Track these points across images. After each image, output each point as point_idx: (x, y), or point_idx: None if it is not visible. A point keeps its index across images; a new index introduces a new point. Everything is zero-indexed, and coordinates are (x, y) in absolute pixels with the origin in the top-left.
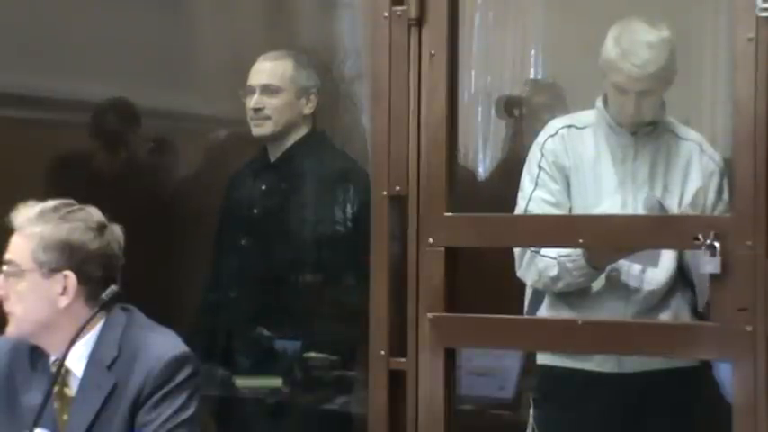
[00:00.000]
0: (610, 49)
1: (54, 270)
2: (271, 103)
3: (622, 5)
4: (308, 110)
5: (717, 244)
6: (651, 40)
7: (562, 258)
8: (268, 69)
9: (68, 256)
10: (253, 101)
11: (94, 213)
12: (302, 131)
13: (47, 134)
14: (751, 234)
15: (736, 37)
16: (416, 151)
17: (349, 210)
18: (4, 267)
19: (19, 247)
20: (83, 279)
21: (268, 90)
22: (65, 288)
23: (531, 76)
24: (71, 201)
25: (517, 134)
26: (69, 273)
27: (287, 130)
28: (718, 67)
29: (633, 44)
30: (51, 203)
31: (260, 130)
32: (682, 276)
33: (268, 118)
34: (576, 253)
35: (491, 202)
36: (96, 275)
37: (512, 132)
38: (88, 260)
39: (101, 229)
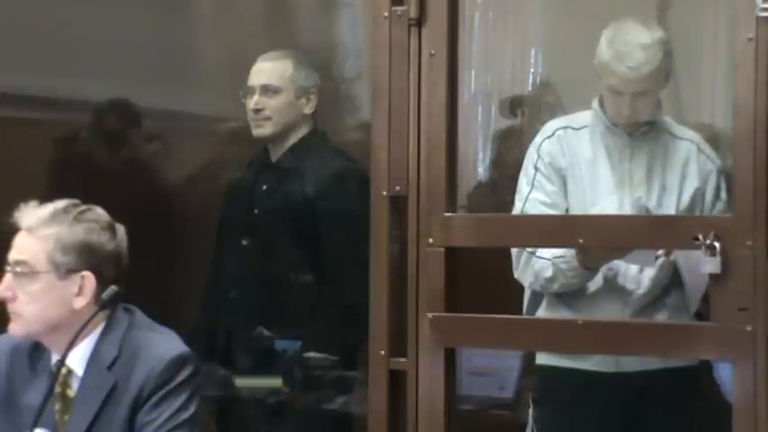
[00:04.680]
0: (603, 51)
1: (71, 271)
2: (271, 103)
3: (622, 5)
4: (308, 110)
5: (717, 244)
6: (644, 42)
7: (556, 260)
8: (267, 69)
9: (87, 257)
10: (253, 101)
11: (102, 213)
12: (303, 131)
13: (47, 134)
14: (751, 234)
15: (736, 37)
16: (416, 151)
17: (349, 210)
18: (16, 269)
19: (32, 249)
20: (99, 279)
21: (268, 90)
22: (80, 288)
23: (531, 76)
24: (77, 201)
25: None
26: (88, 273)
27: (287, 130)
28: (718, 67)
29: (626, 46)
30: (61, 204)
31: (260, 130)
32: (678, 275)
33: (268, 118)
34: (569, 254)
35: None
36: (110, 276)
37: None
38: (105, 261)
39: (112, 228)
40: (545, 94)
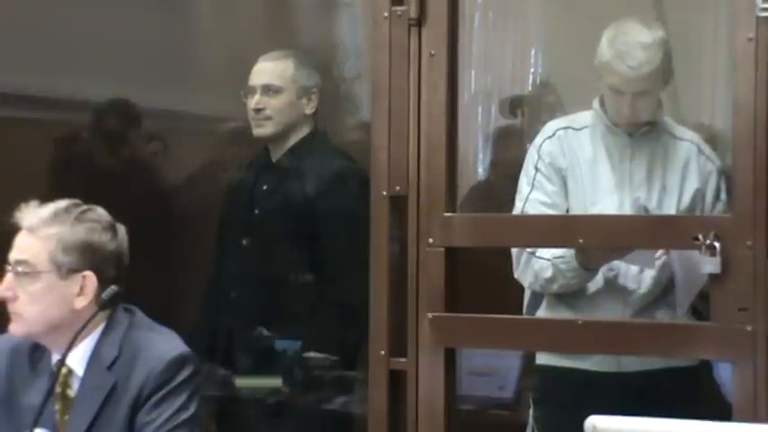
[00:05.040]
0: (604, 51)
1: (72, 271)
2: (271, 103)
3: (622, 5)
4: (308, 109)
5: (717, 244)
6: (645, 41)
7: (556, 260)
8: (268, 69)
9: (89, 257)
10: (254, 101)
11: (103, 213)
12: (304, 131)
13: (47, 134)
14: (751, 234)
15: (736, 37)
16: (416, 151)
17: (349, 210)
18: (17, 268)
19: (34, 248)
20: (100, 279)
21: (269, 90)
22: (82, 288)
23: (531, 76)
24: (78, 201)
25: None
26: (89, 273)
27: (288, 130)
28: (717, 67)
29: (627, 45)
30: (62, 204)
31: (261, 130)
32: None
33: (269, 118)
34: (569, 254)
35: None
36: (111, 276)
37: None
38: (106, 261)
39: (113, 228)
40: (545, 94)
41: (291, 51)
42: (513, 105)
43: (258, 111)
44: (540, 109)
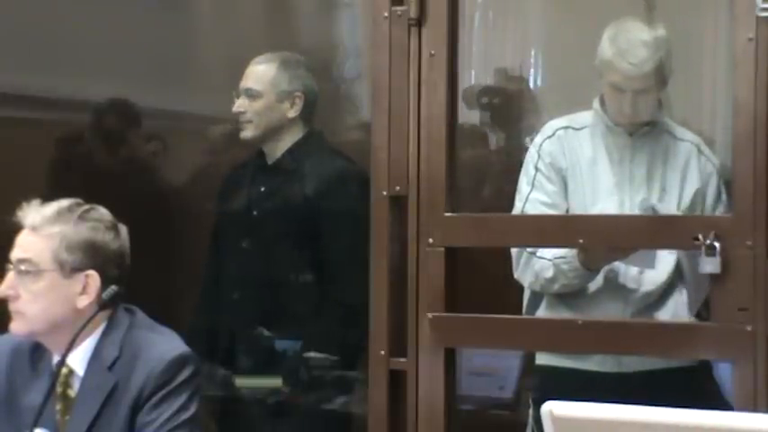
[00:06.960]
0: (605, 48)
1: (75, 270)
2: (251, 106)
3: (622, 5)
4: (292, 113)
5: (717, 244)
6: (646, 39)
7: (557, 260)
8: (252, 73)
9: (92, 255)
10: (236, 104)
11: (105, 212)
12: (298, 134)
13: (47, 134)
14: (751, 234)
15: (736, 37)
16: (416, 151)
17: (349, 210)
18: (20, 267)
19: (37, 247)
20: (102, 279)
21: (249, 94)
22: (84, 287)
23: (531, 76)
24: (80, 200)
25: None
26: (92, 272)
27: (272, 133)
28: (717, 67)
29: (628, 43)
30: (65, 202)
31: (243, 133)
32: (680, 275)
33: (249, 121)
34: (570, 254)
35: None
36: (113, 275)
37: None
38: (108, 260)
39: (115, 228)
40: (513, 84)
41: (279, 55)
42: (480, 95)
43: (240, 114)
44: (508, 100)
